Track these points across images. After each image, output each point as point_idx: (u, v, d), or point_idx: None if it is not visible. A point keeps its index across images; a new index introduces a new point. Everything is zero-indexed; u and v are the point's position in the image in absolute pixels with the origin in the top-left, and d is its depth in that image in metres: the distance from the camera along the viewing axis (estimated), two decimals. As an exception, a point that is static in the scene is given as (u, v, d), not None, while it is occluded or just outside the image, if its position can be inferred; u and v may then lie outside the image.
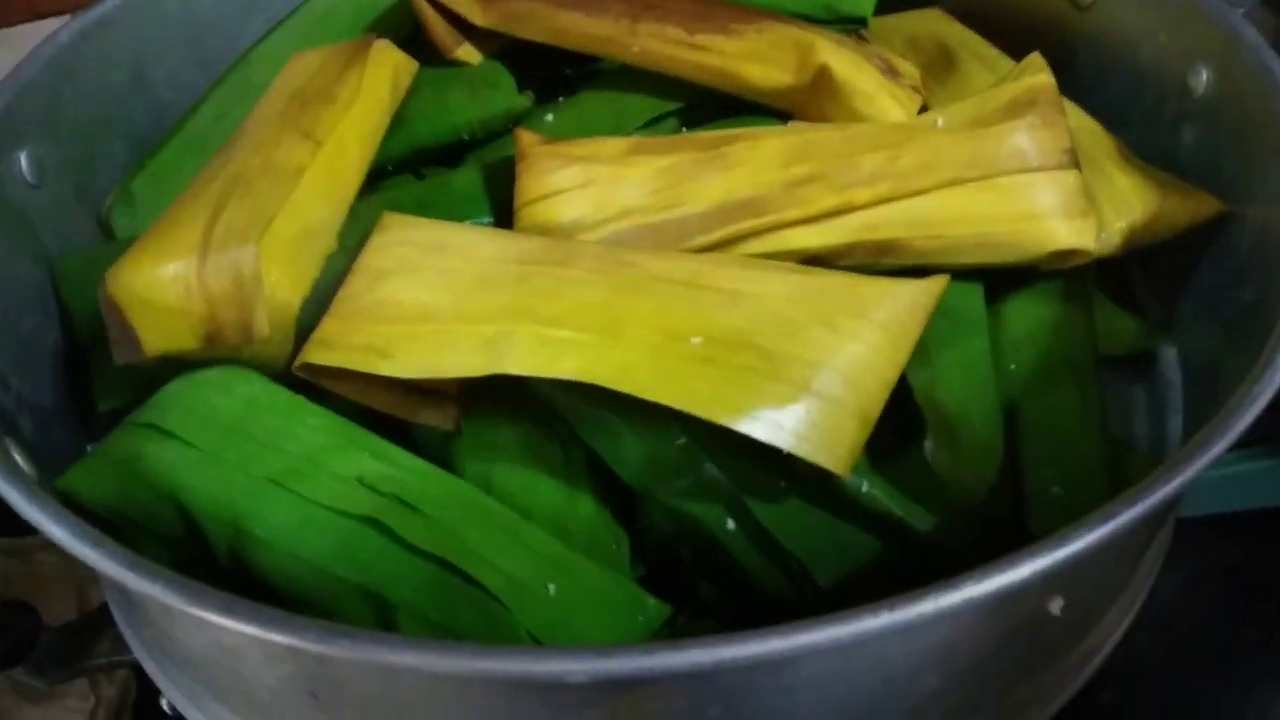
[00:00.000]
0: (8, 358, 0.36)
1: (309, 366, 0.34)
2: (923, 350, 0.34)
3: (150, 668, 0.35)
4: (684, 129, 0.44)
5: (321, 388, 0.34)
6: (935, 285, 0.33)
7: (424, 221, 0.36)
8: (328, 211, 0.38)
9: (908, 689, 0.26)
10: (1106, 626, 0.34)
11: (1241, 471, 0.54)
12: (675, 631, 0.31)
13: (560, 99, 0.46)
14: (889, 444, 0.33)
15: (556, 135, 0.39)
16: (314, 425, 0.33)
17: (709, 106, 0.44)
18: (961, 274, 0.37)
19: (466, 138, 0.44)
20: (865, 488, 0.32)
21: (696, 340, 0.31)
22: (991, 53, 0.45)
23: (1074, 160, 0.36)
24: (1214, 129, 0.40)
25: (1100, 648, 0.33)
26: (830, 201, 0.36)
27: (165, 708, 0.36)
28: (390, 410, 0.35)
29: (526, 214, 0.38)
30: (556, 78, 0.48)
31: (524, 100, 0.44)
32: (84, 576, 0.50)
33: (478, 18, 0.45)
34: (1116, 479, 0.34)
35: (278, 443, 0.32)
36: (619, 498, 0.35)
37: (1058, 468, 0.34)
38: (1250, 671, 0.52)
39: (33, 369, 0.38)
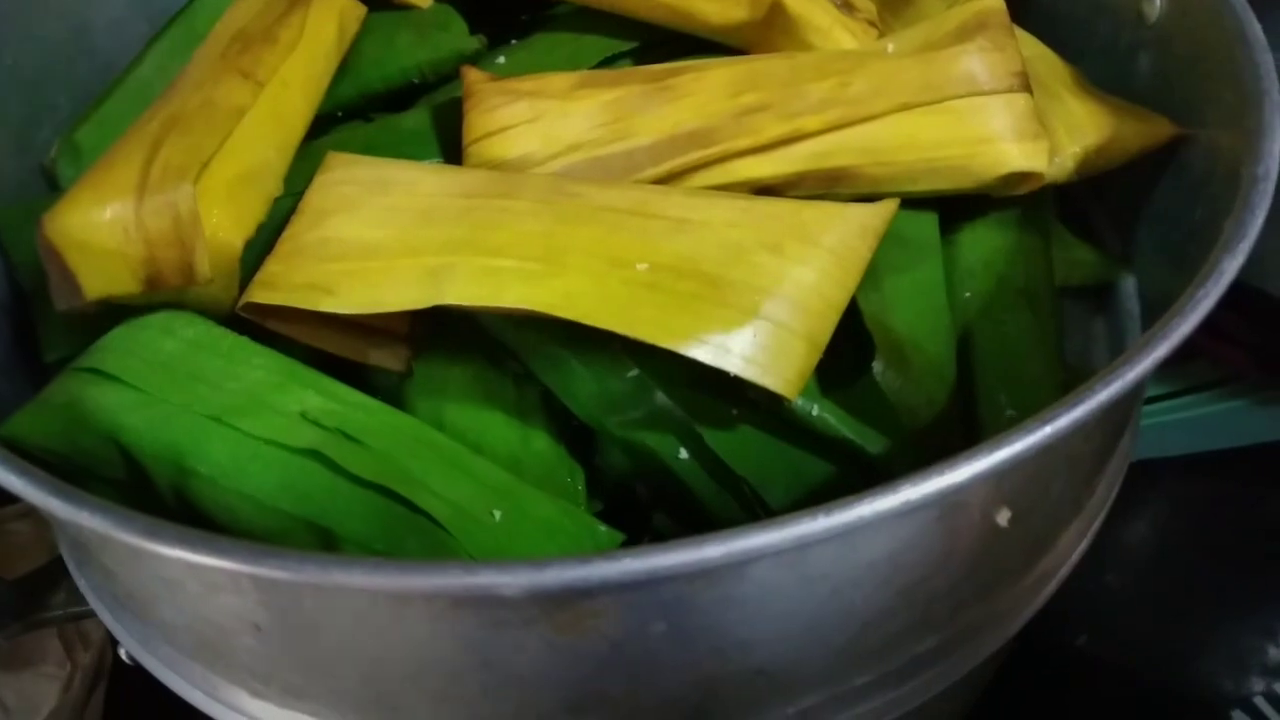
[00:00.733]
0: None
1: (253, 307, 0.33)
2: (874, 276, 0.34)
3: (104, 615, 0.34)
4: (637, 69, 0.43)
5: (273, 333, 0.34)
6: (885, 209, 0.33)
7: (368, 159, 0.36)
8: (271, 154, 0.37)
9: (856, 604, 0.26)
10: (1061, 551, 0.34)
11: (1207, 413, 0.54)
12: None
13: (513, 43, 0.45)
14: (842, 371, 0.33)
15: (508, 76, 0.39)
16: (258, 364, 0.32)
17: (663, 47, 0.44)
18: (916, 203, 0.37)
19: (417, 81, 0.43)
20: (815, 411, 0.32)
21: (642, 267, 0.31)
22: (947, -15, 0.45)
23: (1025, 83, 0.35)
24: (1168, 55, 0.39)
25: (1055, 572, 0.33)
26: (779, 130, 0.35)
27: (124, 657, 0.36)
28: (340, 352, 0.35)
29: (474, 151, 0.37)
30: (512, 24, 0.47)
31: (474, 42, 0.44)
32: (55, 544, 0.50)
33: (426, -39, 0.44)
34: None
35: (220, 382, 0.31)
36: (574, 435, 0.35)
37: (1012, 391, 0.34)
38: (1220, 608, 0.52)
39: (-24, 321, 0.38)
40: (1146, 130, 0.38)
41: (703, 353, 0.29)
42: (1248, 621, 0.51)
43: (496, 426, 0.34)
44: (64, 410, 0.32)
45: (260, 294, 0.33)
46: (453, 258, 0.31)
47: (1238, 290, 0.48)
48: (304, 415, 0.30)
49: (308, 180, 0.36)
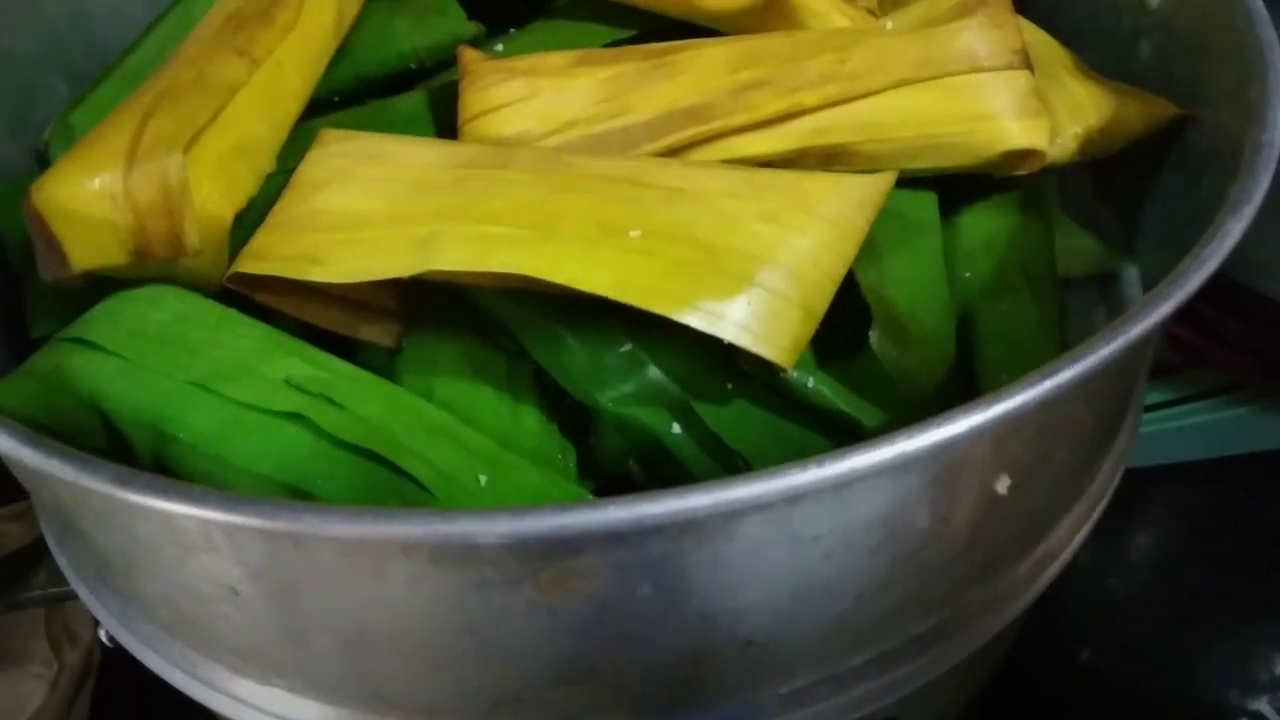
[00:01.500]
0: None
1: (242, 278, 0.33)
2: (873, 250, 0.33)
3: (83, 592, 0.34)
4: (636, 55, 0.43)
5: (263, 308, 0.33)
6: (883, 180, 0.32)
7: (361, 134, 0.35)
8: (264, 130, 0.37)
9: (848, 570, 0.25)
10: (1061, 535, 0.33)
11: (1211, 420, 0.54)
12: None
13: (512, 31, 0.45)
14: (838, 345, 0.32)
15: (505, 61, 0.38)
16: (243, 334, 0.32)
17: (662, 36, 0.43)
18: (915, 182, 0.36)
19: (414, 66, 0.43)
20: (812, 383, 0.31)
21: (635, 234, 0.30)
22: (948, -26, 0.44)
23: (1025, 60, 0.35)
24: (1170, 39, 0.39)
25: (1056, 556, 0.33)
26: (778, 106, 0.35)
27: (104, 639, 0.35)
28: (330, 326, 0.34)
29: (470, 130, 0.37)
30: (511, 14, 0.47)
31: (472, 27, 0.43)
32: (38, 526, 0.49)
33: (424, -54, 0.44)
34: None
35: (205, 350, 0.31)
36: (566, 414, 0.34)
37: (1014, 371, 0.33)
38: (1226, 617, 0.51)
39: (-36, 299, 0.37)
40: (1148, 110, 0.37)
41: (696, 319, 0.29)
42: (1253, 631, 0.50)
43: (487, 402, 0.33)
44: (46, 379, 0.31)
45: (248, 264, 0.32)
46: (443, 225, 0.31)
47: (1242, 295, 0.48)
48: (288, 381, 0.30)
49: (299, 158, 0.36)
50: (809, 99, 0.35)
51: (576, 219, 0.30)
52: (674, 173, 0.32)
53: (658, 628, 0.25)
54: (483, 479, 0.28)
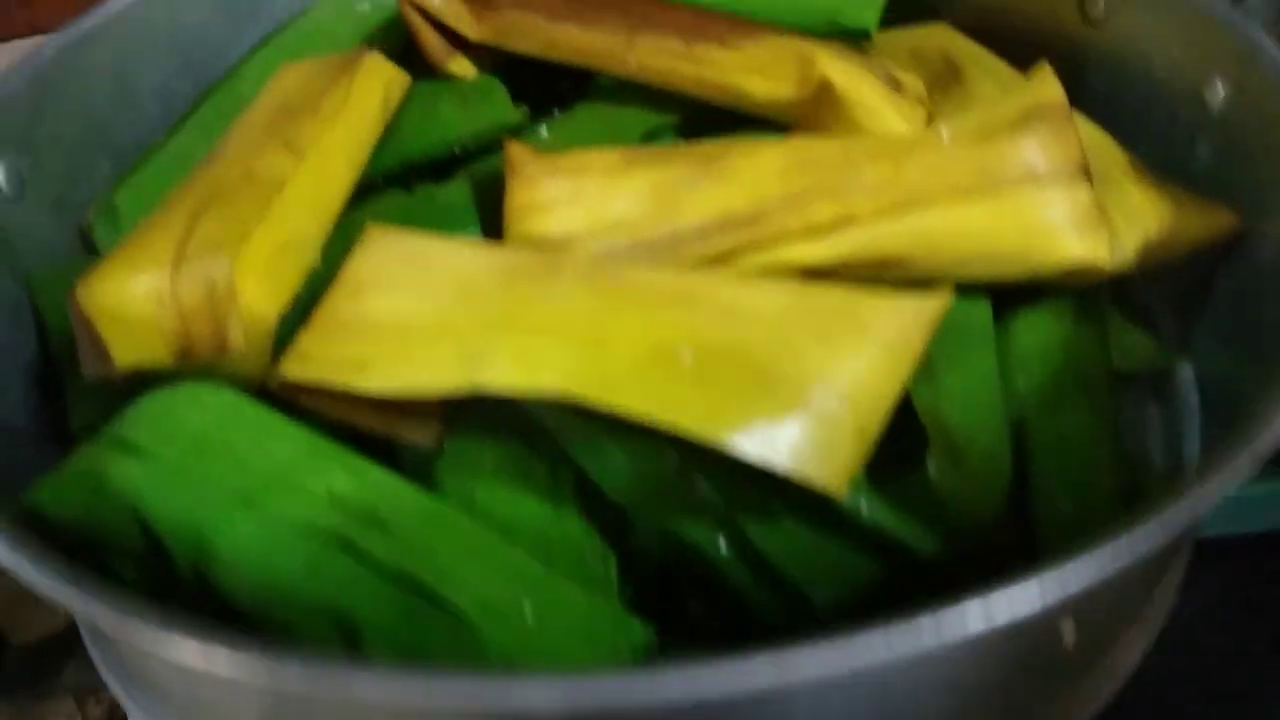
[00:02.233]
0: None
1: (285, 383, 0.32)
2: (927, 366, 0.32)
3: (118, 691, 0.33)
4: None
5: (300, 404, 0.33)
6: (940, 300, 0.31)
7: (408, 233, 0.35)
8: (311, 225, 0.37)
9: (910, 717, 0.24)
10: (1122, 653, 0.32)
11: (1264, 492, 0.52)
12: (663, 654, 0.30)
13: (556, 113, 0.45)
14: (892, 465, 0.31)
15: (550, 149, 0.38)
16: (285, 440, 0.31)
17: (707, 121, 0.43)
18: (968, 288, 0.35)
19: (458, 151, 0.43)
20: (865, 509, 0.30)
21: (686, 354, 0.30)
22: (999, 66, 0.44)
23: (1086, 173, 0.34)
24: (1230, 143, 0.38)
25: (1116, 674, 0.31)
26: (831, 214, 0.34)
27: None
28: (371, 427, 0.34)
29: (516, 228, 0.36)
30: (553, 94, 0.47)
31: (517, 114, 0.43)
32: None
33: (471, 31, 0.44)
34: (1130, 501, 0.32)
35: (246, 458, 0.30)
36: (607, 517, 0.33)
37: (1069, 487, 0.32)
38: (1274, 697, 0.49)
39: (4, 386, 0.37)
40: (1209, 221, 0.36)
41: (749, 447, 0.28)
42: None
43: (528, 507, 0.33)
44: (86, 480, 0.31)
45: (295, 368, 0.32)
46: (491, 339, 0.30)
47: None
48: (330, 496, 0.29)
49: (343, 248, 0.35)
50: (863, 208, 0.34)
51: (628, 338, 0.30)
52: (725, 289, 0.31)
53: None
54: (527, 607, 0.27)
